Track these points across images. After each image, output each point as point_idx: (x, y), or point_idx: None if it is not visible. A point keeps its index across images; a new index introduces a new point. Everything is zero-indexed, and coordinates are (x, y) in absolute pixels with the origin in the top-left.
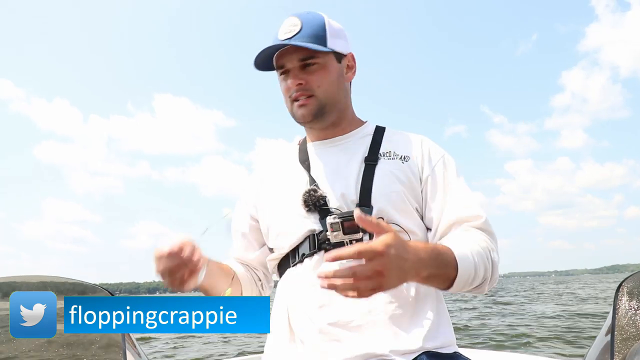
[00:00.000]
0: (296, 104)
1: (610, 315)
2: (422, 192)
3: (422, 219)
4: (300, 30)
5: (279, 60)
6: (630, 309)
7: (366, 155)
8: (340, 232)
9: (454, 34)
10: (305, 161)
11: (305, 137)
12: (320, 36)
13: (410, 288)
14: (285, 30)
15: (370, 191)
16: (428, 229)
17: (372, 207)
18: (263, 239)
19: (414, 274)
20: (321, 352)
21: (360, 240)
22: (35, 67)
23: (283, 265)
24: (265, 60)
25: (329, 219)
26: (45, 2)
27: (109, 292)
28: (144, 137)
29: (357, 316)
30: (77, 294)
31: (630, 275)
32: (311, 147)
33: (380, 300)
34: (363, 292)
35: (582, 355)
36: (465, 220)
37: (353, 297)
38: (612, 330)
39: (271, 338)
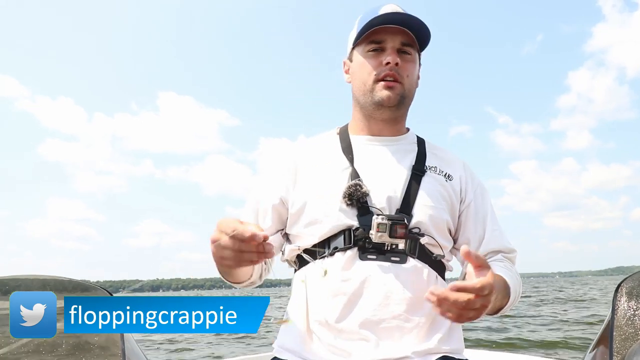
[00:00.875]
0: (382, 83)
1: (609, 316)
2: (461, 213)
3: (451, 236)
4: None
5: (377, 34)
6: (629, 309)
7: (413, 164)
8: (386, 234)
9: (457, 34)
10: (349, 152)
11: (347, 128)
12: None
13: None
14: (391, 9)
15: (414, 201)
16: (455, 249)
17: (412, 217)
18: (282, 223)
19: (491, 307)
20: (341, 351)
21: (397, 246)
22: (39, 65)
23: (308, 255)
24: (361, 32)
25: (377, 219)
26: (50, 1)
27: (108, 292)
28: (147, 135)
29: (388, 318)
30: (77, 294)
31: (629, 276)
32: (355, 139)
33: (410, 307)
34: (459, 319)
35: (581, 356)
36: (502, 251)
37: (447, 318)
38: (610, 330)
39: (284, 331)
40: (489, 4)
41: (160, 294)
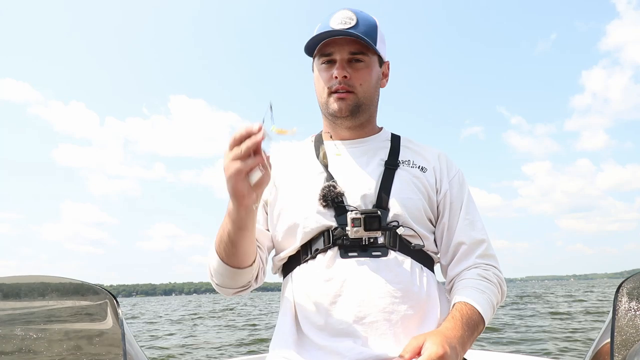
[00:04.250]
0: (334, 96)
1: (609, 316)
2: (438, 204)
3: (433, 225)
4: (356, 25)
5: (326, 48)
6: (630, 309)
7: (386, 159)
8: (362, 228)
9: (470, 33)
10: (323, 157)
11: (321, 134)
12: (372, 37)
13: (421, 289)
14: (340, 21)
15: (388, 194)
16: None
17: (388, 210)
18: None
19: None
20: (332, 351)
21: (375, 240)
22: (51, 70)
23: (291, 262)
24: (309, 46)
25: (351, 214)
26: (60, 7)
27: (110, 293)
28: (159, 139)
29: (373, 312)
30: (78, 294)
31: (630, 277)
32: (328, 144)
33: (394, 299)
34: None
35: (581, 357)
36: (465, 242)
37: None
38: (611, 331)
39: (277, 336)
40: (502, 3)
41: (173, 297)
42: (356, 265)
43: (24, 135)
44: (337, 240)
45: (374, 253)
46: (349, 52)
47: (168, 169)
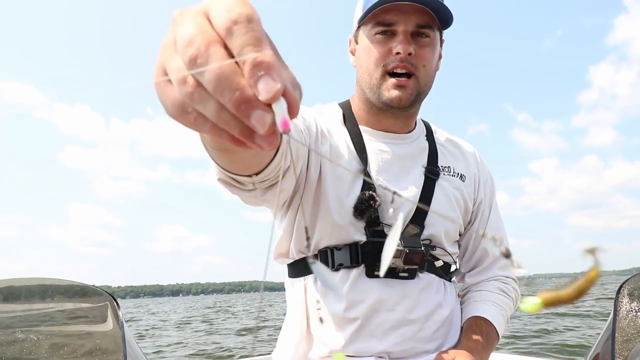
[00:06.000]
0: (392, 80)
1: (611, 317)
2: (472, 213)
3: (459, 236)
4: None
5: (386, 15)
6: (631, 310)
7: (426, 165)
8: (401, 260)
9: (475, 29)
10: (362, 151)
11: (351, 111)
12: (445, 7)
13: (447, 309)
14: None
15: (427, 211)
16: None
17: (424, 227)
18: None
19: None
20: None
21: (415, 271)
22: (55, 72)
23: (305, 265)
24: (367, 11)
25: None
26: (63, 9)
27: (110, 295)
28: (164, 140)
29: (400, 342)
30: (79, 296)
31: (632, 277)
32: (367, 135)
33: (423, 325)
34: None
35: (582, 357)
36: (497, 256)
37: None
38: (612, 332)
39: (285, 349)
40: None
41: (180, 298)
42: (384, 289)
43: (30, 137)
44: (367, 259)
45: (401, 275)
46: (415, 24)
47: (173, 170)
